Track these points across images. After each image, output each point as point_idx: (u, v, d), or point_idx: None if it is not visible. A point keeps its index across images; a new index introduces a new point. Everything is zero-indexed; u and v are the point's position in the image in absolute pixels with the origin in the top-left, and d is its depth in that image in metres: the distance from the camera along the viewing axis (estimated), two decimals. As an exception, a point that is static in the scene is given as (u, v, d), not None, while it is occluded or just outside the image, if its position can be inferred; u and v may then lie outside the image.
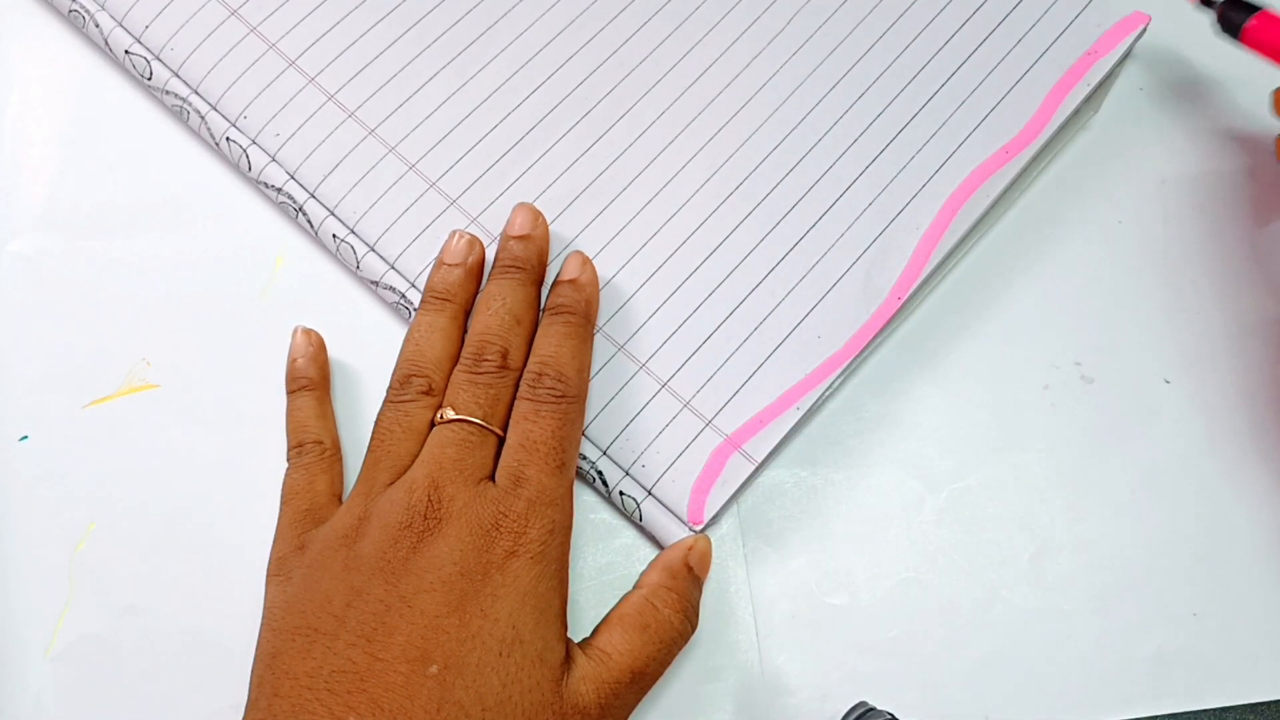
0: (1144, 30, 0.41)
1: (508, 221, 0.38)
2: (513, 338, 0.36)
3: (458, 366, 0.36)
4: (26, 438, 0.39)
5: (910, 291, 0.39)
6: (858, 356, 0.38)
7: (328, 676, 0.30)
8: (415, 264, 0.39)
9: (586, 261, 0.38)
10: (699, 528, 0.36)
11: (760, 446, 0.37)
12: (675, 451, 0.37)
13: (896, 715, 0.34)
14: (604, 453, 0.37)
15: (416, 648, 0.31)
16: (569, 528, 0.34)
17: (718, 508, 0.37)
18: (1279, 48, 0.40)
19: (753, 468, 0.37)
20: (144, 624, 0.37)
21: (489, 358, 0.36)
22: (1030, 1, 0.42)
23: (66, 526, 0.38)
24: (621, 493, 0.37)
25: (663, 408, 0.37)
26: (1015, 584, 0.38)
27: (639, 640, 0.34)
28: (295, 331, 0.39)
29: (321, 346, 0.39)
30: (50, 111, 0.43)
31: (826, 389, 0.38)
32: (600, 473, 0.37)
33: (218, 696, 0.36)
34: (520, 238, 0.38)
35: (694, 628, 0.35)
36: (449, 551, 0.32)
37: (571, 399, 0.35)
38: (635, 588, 0.35)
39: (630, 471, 0.37)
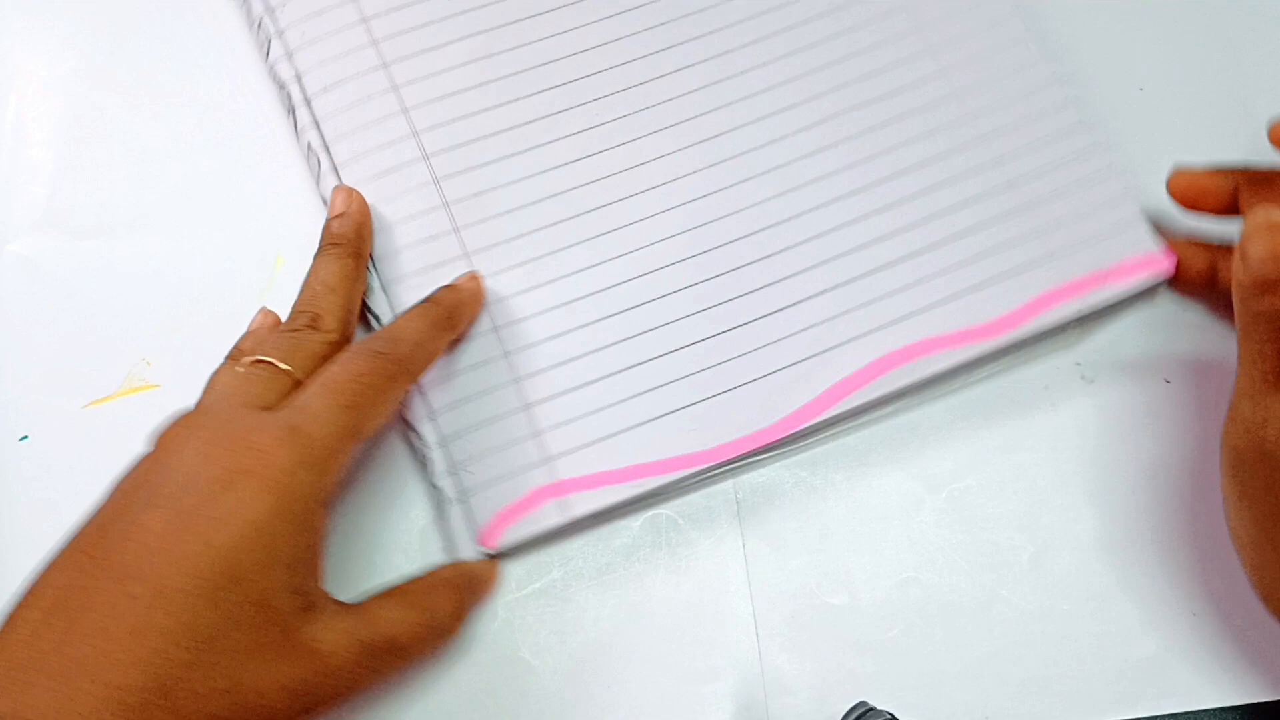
0: (1166, 280, 0.39)
1: (329, 205, 0.39)
2: (323, 304, 0.36)
3: None
4: (26, 438, 0.39)
5: (800, 429, 0.38)
6: (719, 465, 0.37)
7: (41, 587, 0.30)
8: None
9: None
10: (487, 551, 0.36)
11: (581, 504, 0.37)
12: (503, 473, 0.37)
13: (896, 715, 0.34)
14: (442, 444, 0.37)
15: (129, 566, 0.29)
16: (327, 473, 0.32)
17: (512, 542, 0.36)
18: None
19: (562, 521, 0.36)
20: (144, 624, 0.37)
21: (298, 319, 0.36)
22: (1068, 196, 0.40)
23: (66, 526, 0.38)
24: (436, 485, 0.37)
25: (515, 428, 0.37)
26: (1015, 584, 0.38)
27: (413, 617, 0.33)
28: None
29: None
30: (50, 111, 0.43)
31: (676, 481, 0.37)
32: (429, 459, 0.37)
33: (218, 696, 0.36)
34: (336, 217, 0.38)
35: (458, 630, 0.36)
36: (184, 465, 0.30)
37: (393, 360, 0.34)
38: (427, 573, 0.35)
39: (456, 471, 0.37)
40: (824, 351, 0.38)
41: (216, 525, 0.30)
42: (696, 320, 0.39)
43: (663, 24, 0.42)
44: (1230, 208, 0.38)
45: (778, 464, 0.39)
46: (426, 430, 0.37)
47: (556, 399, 0.38)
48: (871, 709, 0.34)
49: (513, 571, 0.38)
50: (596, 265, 0.39)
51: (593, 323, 0.38)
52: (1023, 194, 0.40)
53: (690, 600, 0.38)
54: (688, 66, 0.41)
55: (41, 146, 0.42)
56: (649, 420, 0.38)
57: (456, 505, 0.37)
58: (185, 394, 0.39)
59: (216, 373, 0.35)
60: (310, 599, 0.31)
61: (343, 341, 0.36)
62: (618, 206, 0.40)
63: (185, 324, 0.40)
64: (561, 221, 0.39)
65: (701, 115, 0.41)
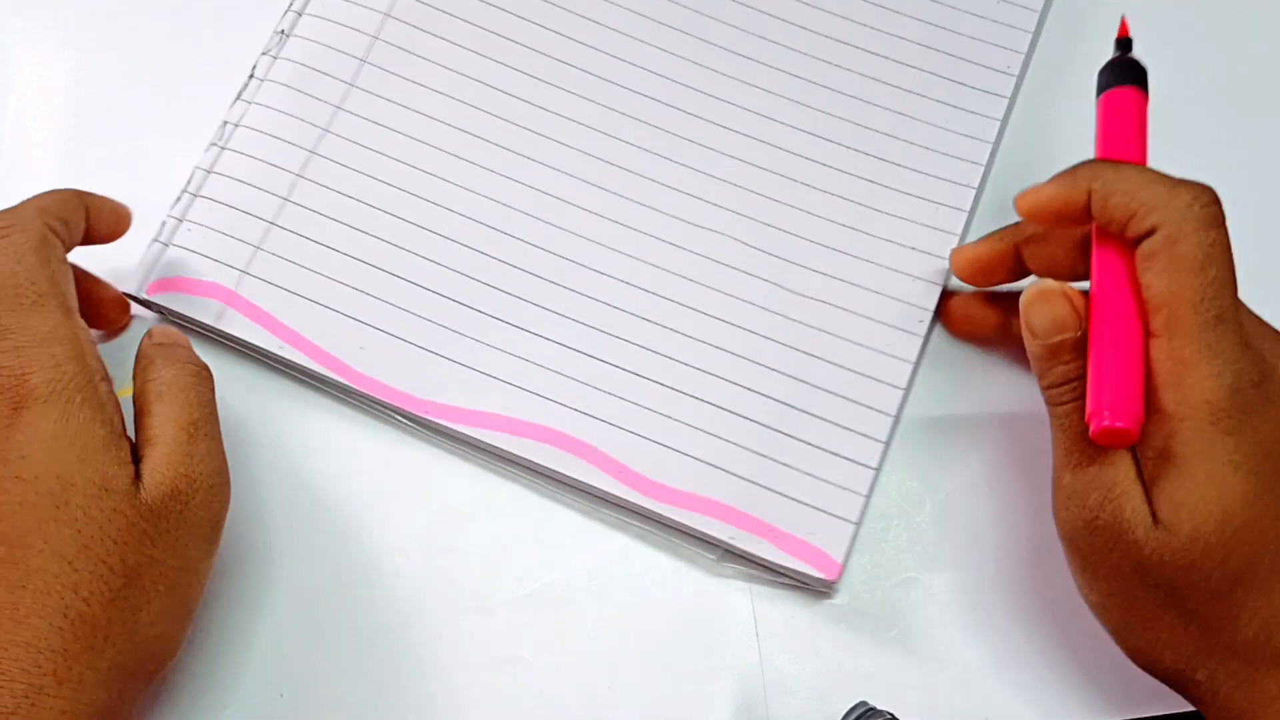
0: (828, 583, 0.37)
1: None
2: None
3: None
4: (27, 438, 0.39)
5: (430, 419, 0.38)
6: (352, 390, 0.38)
7: None
8: None
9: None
10: (147, 296, 0.39)
11: (234, 325, 0.38)
12: (207, 252, 0.39)
13: (896, 715, 0.34)
14: (190, 194, 0.40)
15: None
16: (79, 352, 0.32)
17: (167, 305, 0.39)
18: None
19: (209, 323, 0.38)
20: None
21: None
22: (820, 456, 0.38)
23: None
24: (165, 221, 0.40)
25: (247, 229, 0.39)
26: (1015, 583, 0.38)
27: (179, 401, 0.33)
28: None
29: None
30: (50, 111, 0.43)
31: (311, 369, 0.38)
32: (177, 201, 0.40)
33: (216, 694, 0.36)
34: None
35: (206, 366, 0.35)
36: None
37: (41, 226, 0.33)
38: (138, 363, 0.35)
39: (182, 220, 0.40)
40: (516, 386, 0.38)
41: (22, 462, 0.30)
42: (454, 278, 0.39)
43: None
44: (1019, 273, 0.37)
45: (778, 464, 0.39)
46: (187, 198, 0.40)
47: (298, 238, 0.40)
48: (871, 709, 0.34)
49: (513, 571, 0.38)
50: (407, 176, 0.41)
51: (382, 210, 0.40)
52: (792, 423, 0.38)
53: (690, 600, 0.38)
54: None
55: (41, 146, 0.42)
56: (343, 314, 0.39)
57: (159, 245, 0.39)
58: (185, 394, 0.40)
59: None
60: (134, 465, 0.32)
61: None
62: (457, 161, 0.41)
63: (185, 324, 0.40)
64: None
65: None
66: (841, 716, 0.35)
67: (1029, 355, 0.34)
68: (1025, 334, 0.33)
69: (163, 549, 0.31)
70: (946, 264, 0.40)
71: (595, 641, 0.37)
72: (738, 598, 0.38)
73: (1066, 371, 0.32)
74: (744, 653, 0.37)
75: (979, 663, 0.37)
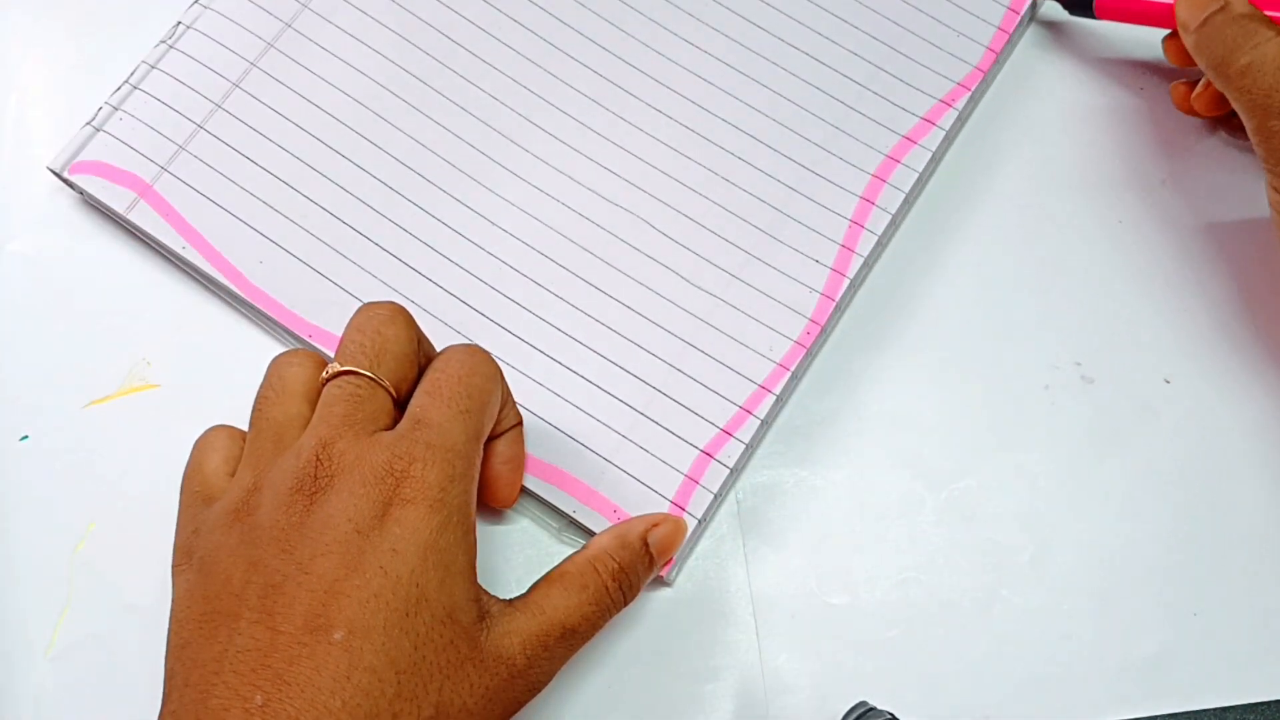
0: (659, 577, 0.37)
1: None
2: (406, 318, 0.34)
3: None
4: (26, 438, 0.39)
5: (302, 339, 0.39)
6: (240, 297, 0.39)
7: (232, 657, 0.29)
8: None
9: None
10: (69, 178, 0.40)
11: (141, 216, 0.40)
12: (135, 144, 0.40)
13: (896, 715, 0.34)
14: (132, 84, 0.41)
15: (318, 615, 0.29)
16: (472, 478, 0.32)
17: (80, 185, 0.40)
18: (1134, 10, 0.42)
19: (118, 210, 0.40)
20: (144, 624, 0.37)
21: (380, 308, 0.34)
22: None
23: (66, 526, 0.38)
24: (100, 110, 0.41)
25: (175, 126, 0.41)
26: (1015, 584, 0.38)
27: (575, 599, 0.33)
28: None
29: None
30: (50, 111, 0.43)
31: (207, 273, 0.39)
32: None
33: None
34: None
35: (629, 600, 0.35)
36: (342, 508, 0.30)
37: (486, 351, 0.34)
38: (583, 549, 0.35)
39: (118, 108, 0.41)
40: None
41: (392, 556, 0.30)
42: (364, 211, 0.40)
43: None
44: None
45: (777, 464, 0.39)
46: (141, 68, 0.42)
47: (222, 146, 0.40)
48: (871, 709, 0.34)
49: (512, 573, 0.38)
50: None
51: (308, 132, 0.41)
52: (658, 408, 0.38)
53: (690, 600, 0.38)
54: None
55: (41, 146, 0.42)
56: (250, 226, 0.40)
57: (90, 128, 0.41)
58: (185, 394, 0.40)
59: (274, 380, 0.34)
60: (483, 606, 0.32)
61: (413, 338, 0.34)
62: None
63: (185, 324, 0.40)
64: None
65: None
66: (841, 716, 0.35)
67: (1204, 65, 0.37)
68: (1186, 39, 0.38)
69: (472, 703, 0.30)
70: (846, 282, 0.40)
71: (596, 641, 0.37)
72: (738, 598, 0.38)
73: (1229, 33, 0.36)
74: (744, 652, 0.37)
75: (979, 662, 0.37)
